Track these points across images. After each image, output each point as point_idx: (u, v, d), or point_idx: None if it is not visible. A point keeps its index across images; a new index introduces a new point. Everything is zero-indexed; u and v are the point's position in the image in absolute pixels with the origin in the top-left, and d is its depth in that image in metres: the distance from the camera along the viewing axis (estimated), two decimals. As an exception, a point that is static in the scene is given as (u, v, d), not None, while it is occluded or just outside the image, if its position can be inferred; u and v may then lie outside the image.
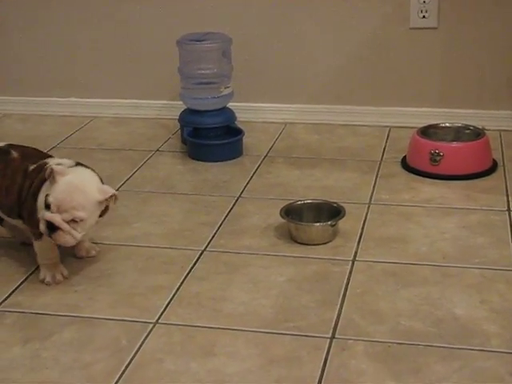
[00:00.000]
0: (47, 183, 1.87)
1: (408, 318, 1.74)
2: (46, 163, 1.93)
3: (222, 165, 2.63)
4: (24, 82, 3.20)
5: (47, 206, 1.83)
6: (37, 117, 3.14)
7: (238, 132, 2.74)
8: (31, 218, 1.91)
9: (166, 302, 1.82)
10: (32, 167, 1.94)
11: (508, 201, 2.30)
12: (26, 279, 1.94)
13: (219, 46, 2.73)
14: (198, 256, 2.03)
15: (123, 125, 3.06)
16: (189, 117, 2.75)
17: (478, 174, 2.46)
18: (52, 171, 1.83)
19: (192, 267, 1.98)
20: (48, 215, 1.82)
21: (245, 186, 2.45)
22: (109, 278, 1.94)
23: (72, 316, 1.78)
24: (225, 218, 2.24)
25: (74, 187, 1.84)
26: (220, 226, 2.19)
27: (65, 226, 1.82)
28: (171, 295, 1.85)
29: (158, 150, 2.79)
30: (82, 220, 1.83)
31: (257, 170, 2.59)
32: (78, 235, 1.84)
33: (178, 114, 2.82)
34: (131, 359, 1.62)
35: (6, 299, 1.85)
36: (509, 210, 2.24)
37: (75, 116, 3.13)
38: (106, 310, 1.80)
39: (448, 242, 2.06)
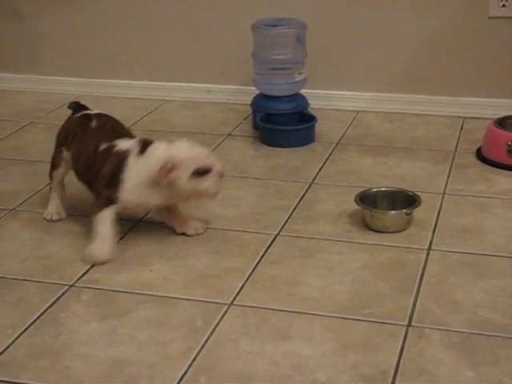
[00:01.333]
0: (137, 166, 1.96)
1: (486, 308, 1.71)
2: (114, 146, 2.01)
3: (293, 151, 2.63)
4: (97, 65, 3.24)
5: (206, 172, 1.93)
6: (109, 99, 3.17)
7: (311, 118, 2.72)
8: (105, 190, 1.97)
9: (241, 285, 1.83)
10: (102, 147, 2.03)
11: None
12: (102, 257, 1.97)
13: (294, 31, 2.71)
14: (271, 240, 2.03)
15: (195, 109, 3.07)
16: (262, 102, 2.75)
17: (556, 167, 2.41)
18: (166, 164, 1.91)
19: (266, 251, 1.98)
20: (219, 166, 1.96)
21: (317, 172, 2.44)
22: (183, 258, 1.95)
23: (148, 294, 1.80)
24: (298, 204, 2.23)
25: (189, 144, 1.99)
26: (293, 211, 2.19)
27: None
28: (245, 278, 1.86)
29: (229, 134, 2.79)
30: None
31: (329, 156, 2.57)
32: None
33: (250, 99, 2.82)
34: (207, 339, 1.63)
35: (82, 276, 1.88)
36: None
37: (147, 99, 3.15)
38: (181, 290, 1.81)
39: (526, 235, 2.03)
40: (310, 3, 2.93)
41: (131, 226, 2.12)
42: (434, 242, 2.01)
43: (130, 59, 3.20)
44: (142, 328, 1.67)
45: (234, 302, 1.76)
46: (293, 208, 2.20)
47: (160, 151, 1.95)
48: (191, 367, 1.55)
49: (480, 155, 2.52)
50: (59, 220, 2.15)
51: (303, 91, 2.78)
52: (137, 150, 1.98)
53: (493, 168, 2.44)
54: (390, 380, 1.50)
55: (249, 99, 2.83)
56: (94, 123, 2.09)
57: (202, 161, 1.95)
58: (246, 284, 1.83)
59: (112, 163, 1.98)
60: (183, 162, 1.92)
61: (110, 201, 1.96)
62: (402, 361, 1.55)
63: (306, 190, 2.32)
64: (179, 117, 2.99)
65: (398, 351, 1.58)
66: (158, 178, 1.92)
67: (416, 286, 1.81)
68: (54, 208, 2.16)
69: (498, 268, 1.88)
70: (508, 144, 2.42)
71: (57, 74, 3.28)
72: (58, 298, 1.79)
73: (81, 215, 2.15)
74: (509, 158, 2.42)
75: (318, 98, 2.92)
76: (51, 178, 2.17)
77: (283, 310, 1.73)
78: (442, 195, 2.27)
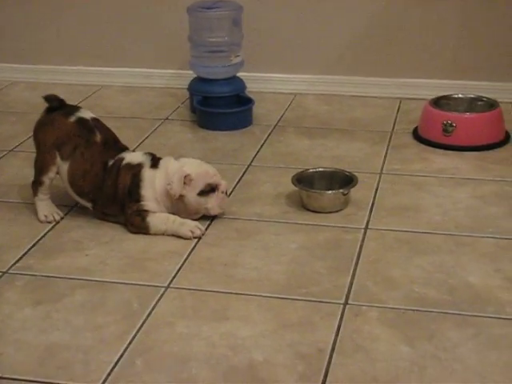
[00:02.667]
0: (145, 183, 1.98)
1: (421, 285, 1.73)
2: (122, 159, 2.01)
3: (231, 134, 2.61)
4: (32, 50, 3.18)
5: (212, 189, 1.99)
6: (45, 85, 3.11)
7: (248, 101, 2.71)
8: (130, 211, 1.98)
9: (178, 267, 1.81)
10: (111, 162, 2.00)
11: (521, 172, 2.29)
12: (36, 243, 1.93)
13: (230, 13, 2.70)
14: (208, 222, 2.02)
15: (132, 93, 3.03)
16: (199, 85, 2.73)
17: (491, 146, 2.45)
18: (185, 177, 1.97)
19: (203, 233, 1.97)
20: (224, 185, 2.01)
21: (255, 155, 2.44)
22: (120, 242, 1.93)
23: (83, 279, 1.77)
24: (235, 186, 2.23)
25: (198, 161, 2.04)
26: (231, 193, 2.18)
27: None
28: (182, 260, 1.84)
29: (167, 118, 2.77)
30: None
31: (267, 139, 2.57)
32: None
33: (188, 83, 2.80)
34: (143, 322, 1.61)
35: (16, 262, 1.85)
36: (522, 181, 2.23)
37: (84, 84, 3.11)
38: (117, 274, 1.79)
39: (461, 212, 2.05)
40: (246, -15, 2.91)
41: (67, 210, 2.09)
42: (370, 221, 2.01)
43: (66, 44, 3.15)
44: (77, 313, 1.65)
45: (171, 285, 1.75)
46: (231, 190, 2.19)
47: (174, 166, 1.99)
48: (127, 350, 1.53)
49: (417, 135, 2.55)
50: (62, 219, 2.05)
51: (240, 74, 2.77)
52: (149, 163, 2.00)
53: (429, 147, 2.46)
54: (327, 357, 1.50)
55: (186, 83, 2.81)
56: (97, 137, 2.02)
57: (210, 178, 2.00)
58: (183, 266, 1.82)
59: (126, 178, 1.99)
60: (195, 178, 1.97)
61: (142, 213, 1.97)
62: (338, 339, 1.55)
63: (244, 173, 2.31)
64: (117, 102, 2.95)
65: (335, 329, 1.58)
66: (173, 192, 1.95)
67: (353, 265, 1.81)
68: (49, 208, 2.05)
69: (433, 245, 1.89)
70: (443, 123, 2.44)
71: (-9, 59, 3.22)
72: (-9, 286, 1.76)
73: (14, 202, 2.11)
74: (444, 137, 2.44)
75: (255, 81, 2.92)
76: (41, 182, 2.04)
77: (220, 292, 1.72)
78: (379, 175, 2.28)
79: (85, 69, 3.15)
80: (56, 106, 2.06)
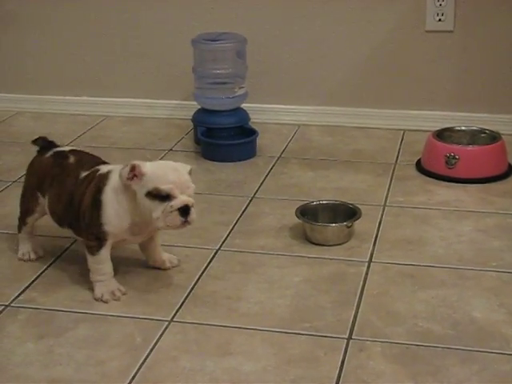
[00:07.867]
0: (115, 189, 1.78)
1: (425, 319, 1.72)
2: (97, 170, 1.87)
3: (235, 165, 2.62)
4: (37, 80, 3.20)
5: (163, 198, 1.71)
6: (50, 115, 3.13)
7: (252, 132, 2.72)
8: (89, 229, 1.82)
9: (181, 301, 1.81)
10: (84, 174, 1.88)
11: (524, 205, 2.29)
12: (39, 276, 1.93)
13: (234, 45, 2.72)
14: (212, 255, 2.02)
15: (136, 124, 3.04)
16: (202, 117, 2.74)
17: (494, 178, 2.45)
18: (134, 167, 1.74)
19: (207, 266, 1.97)
20: (180, 200, 1.72)
21: (259, 187, 2.44)
22: (123, 275, 1.92)
23: (86, 313, 1.77)
24: (239, 218, 2.22)
25: (170, 165, 1.79)
26: (234, 225, 2.18)
27: (193, 202, 1.75)
28: (186, 294, 1.84)
29: (171, 149, 2.78)
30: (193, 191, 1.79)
31: (270, 170, 2.57)
32: None
33: (191, 113, 2.81)
34: (146, 357, 1.61)
35: (19, 295, 1.84)
36: (525, 213, 2.23)
37: (88, 115, 3.12)
38: (120, 308, 1.79)
39: (464, 245, 2.05)
40: (250, 17, 2.93)
41: (70, 243, 2.09)
42: (374, 255, 2.01)
43: (70, 75, 3.16)
44: (80, 347, 1.64)
45: (175, 319, 1.74)
46: (234, 222, 2.19)
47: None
48: (130, 386, 1.53)
49: (420, 167, 2.55)
50: (38, 258, 2.01)
51: (244, 105, 2.78)
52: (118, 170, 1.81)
53: (432, 179, 2.46)
54: (331, 394, 1.50)
55: (190, 114, 2.82)
56: (71, 159, 1.93)
57: (163, 183, 1.73)
58: (187, 300, 1.82)
59: (92, 188, 1.82)
60: (145, 174, 1.74)
61: (101, 238, 1.81)
62: (342, 374, 1.55)
63: (248, 205, 2.31)
64: (120, 132, 2.96)
65: (339, 364, 1.58)
66: (123, 178, 1.75)
67: (357, 299, 1.81)
68: (29, 246, 2.01)
69: (437, 278, 1.89)
70: (446, 156, 2.45)
71: (-5, 90, 3.24)
72: (-6, 319, 1.75)
73: (16, 234, 2.11)
74: (447, 170, 2.45)
75: (259, 112, 2.93)
76: (25, 222, 2.01)
77: (224, 326, 1.71)
78: (382, 207, 2.28)
79: (89, 99, 3.16)
80: (46, 147, 2.00)
